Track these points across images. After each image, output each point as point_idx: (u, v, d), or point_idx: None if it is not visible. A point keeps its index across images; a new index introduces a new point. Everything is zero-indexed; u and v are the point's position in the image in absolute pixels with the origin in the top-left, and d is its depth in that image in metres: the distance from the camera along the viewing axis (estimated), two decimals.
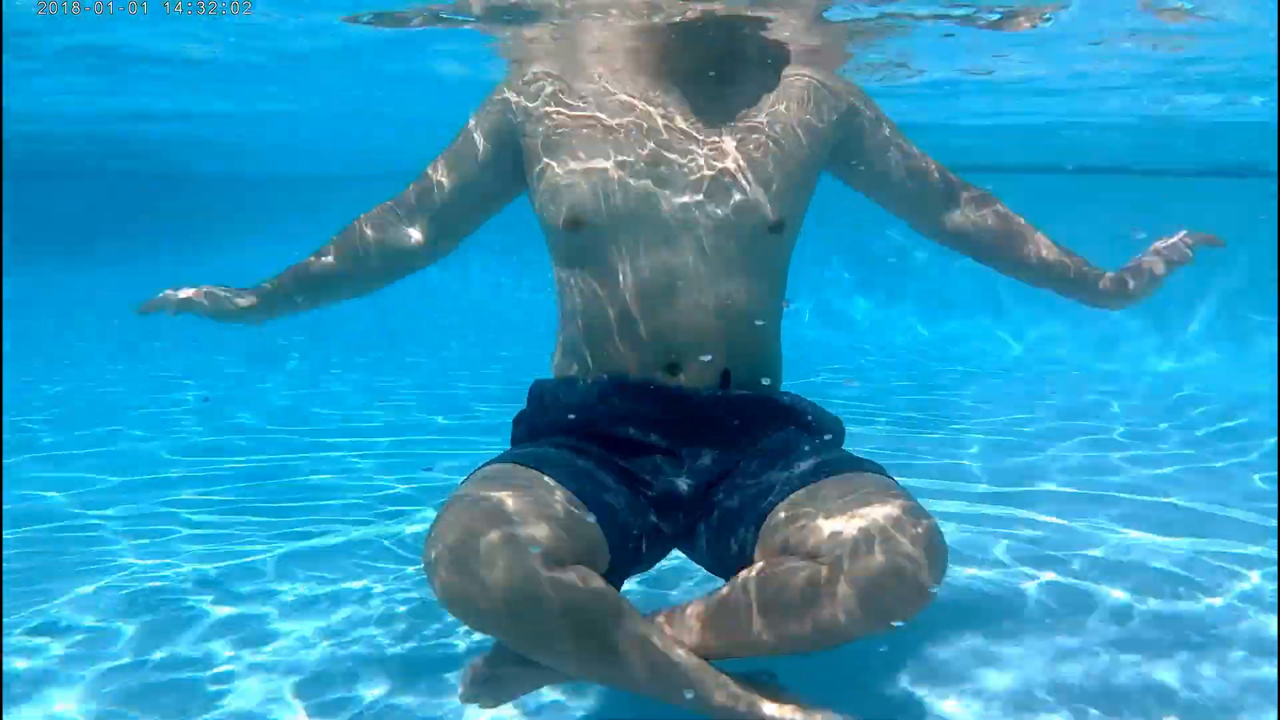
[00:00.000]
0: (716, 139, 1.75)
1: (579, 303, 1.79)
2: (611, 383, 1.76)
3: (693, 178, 1.73)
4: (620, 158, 1.73)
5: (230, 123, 8.79)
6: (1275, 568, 2.57)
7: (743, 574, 1.59)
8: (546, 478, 1.60)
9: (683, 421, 1.74)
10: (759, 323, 1.79)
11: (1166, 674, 2.15)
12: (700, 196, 1.72)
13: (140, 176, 18.63)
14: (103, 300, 10.31)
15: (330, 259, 1.95)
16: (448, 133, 1.97)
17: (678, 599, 2.46)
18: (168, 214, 19.63)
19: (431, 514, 1.58)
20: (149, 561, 2.86)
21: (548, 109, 1.80)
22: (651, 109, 1.78)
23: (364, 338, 7.62)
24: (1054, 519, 3.24)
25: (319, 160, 14.73)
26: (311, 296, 1.98)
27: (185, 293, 1.91)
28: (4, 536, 3.04)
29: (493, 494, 1.52)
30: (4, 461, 3.89)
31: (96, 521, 3.27)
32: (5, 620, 2.42)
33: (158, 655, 2.25)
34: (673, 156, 1.74)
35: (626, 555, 1.65)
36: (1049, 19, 3.23)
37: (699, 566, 1.89)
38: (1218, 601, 2.56)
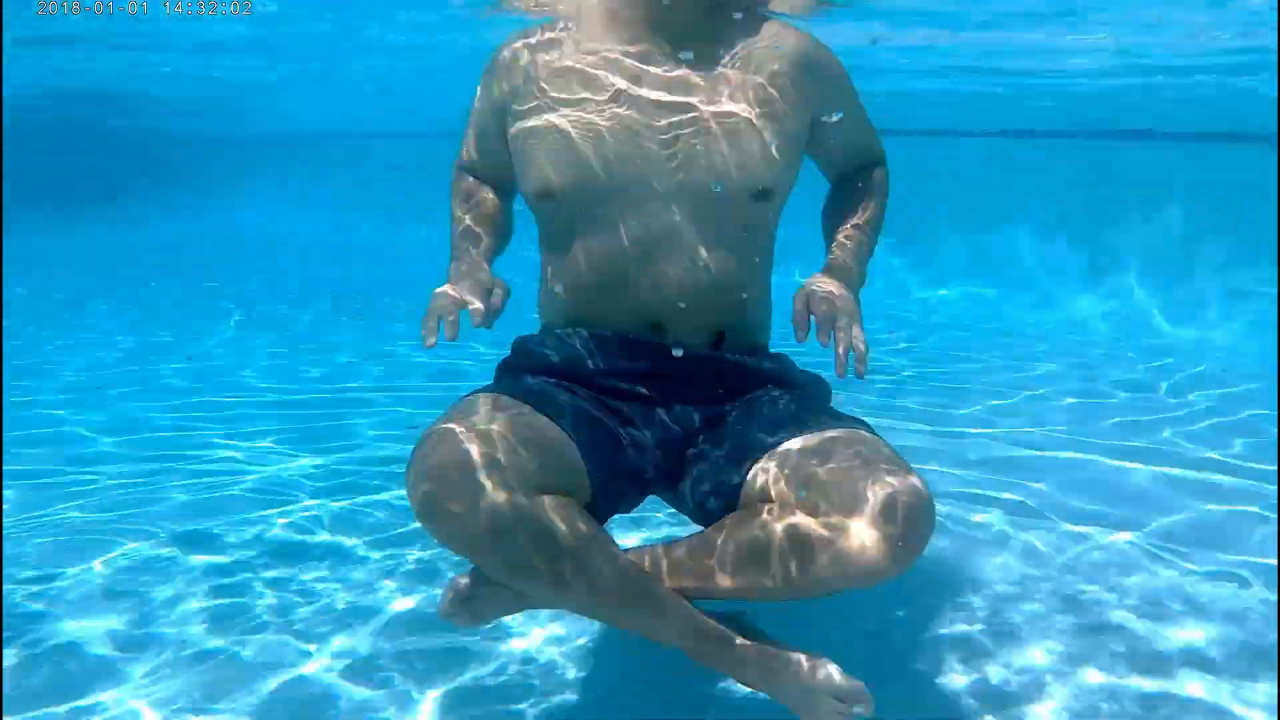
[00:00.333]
0: (700, 103, 1.70)
1: (561, 265, 1.79)
2: (596, 337, 1.77)
3: (674, 146, 1.68)
4: (596, 124, 1.69)
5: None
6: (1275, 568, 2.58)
7: (725, 519, 1.61)
8: (529, 407, 1.61)
9: (669, 376, 1.75)
10: (745, 291, 1.78)
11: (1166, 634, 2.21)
12: (681, 163, 1.68)
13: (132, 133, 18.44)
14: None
15: (477, 216, 1.94)
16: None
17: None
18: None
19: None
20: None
21: (527, 75, 1.77)
22: (632, 71, 1.72)
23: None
24: (1041, 485, 3.29)
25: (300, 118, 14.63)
26: (499, 245, 1.95)
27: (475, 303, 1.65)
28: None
29: (475, 420, 1.52)
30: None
31: (90, 477, 3.30)
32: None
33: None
34: (654, 123, 1.69)
35: (608, 491, 1.65)
36: None
37: (680, 516, 1.92)
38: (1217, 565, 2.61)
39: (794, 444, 1.62)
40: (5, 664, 2.05)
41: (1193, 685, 2.00)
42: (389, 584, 2.45)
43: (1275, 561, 2.59)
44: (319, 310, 7.03)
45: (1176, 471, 3.37)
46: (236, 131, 18.18)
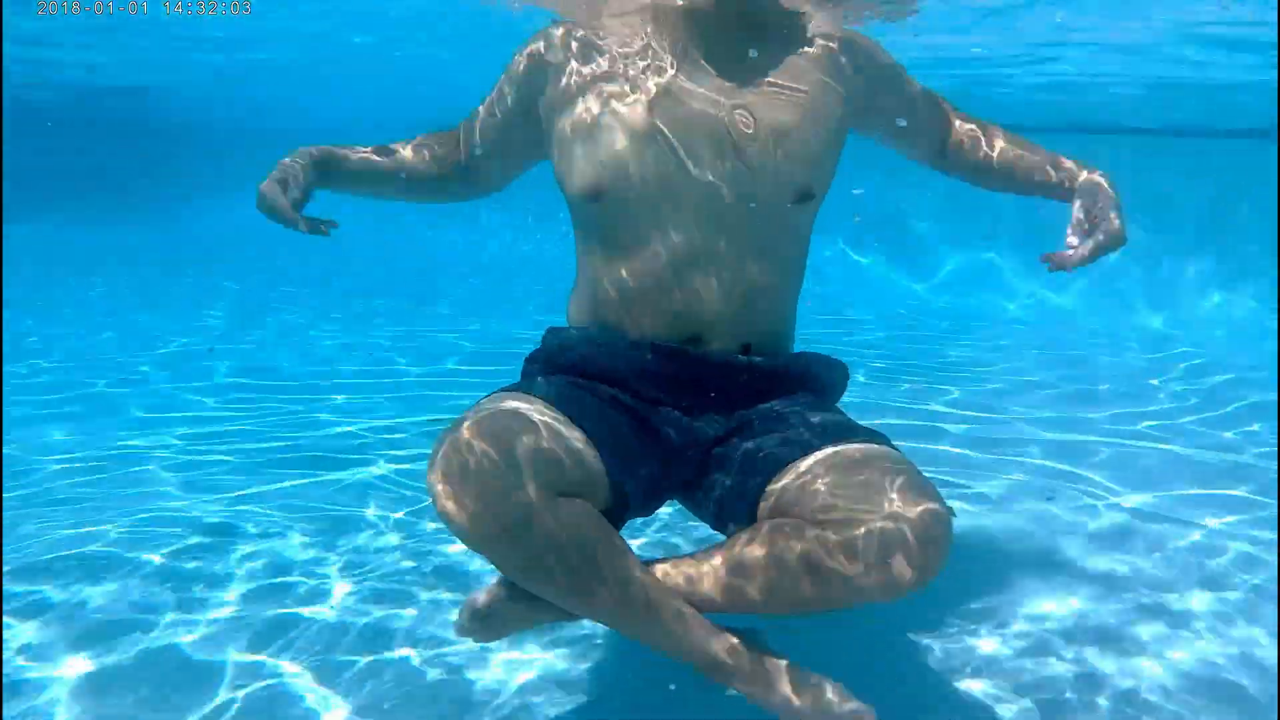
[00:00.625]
0: (744, 104, 1.70)
1: (600, 268, 1.77)
2: (628, 341, 1.75)
3: (720, 147, 1.68)
4: (643, 127, 1.68)
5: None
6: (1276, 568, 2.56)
7: (744, 532, 1.59)
8: (552, 408, 1.60)
9: (699, 382, 1.74)
10: (781, 299, 1.78)
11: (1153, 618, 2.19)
12: (727, 166, 1.68)
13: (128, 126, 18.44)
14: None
15: (372, 155, 1.93)
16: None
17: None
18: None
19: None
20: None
21: (569, 70, 1.76)
22: (675, 72, 1.72)
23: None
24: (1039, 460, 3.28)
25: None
26: (354, 180, 1.94)
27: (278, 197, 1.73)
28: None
29: (497, 419, 1.51)
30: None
31: (97, 463, 3.32)
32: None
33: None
34: (698, 124, 1.69)
35: (627, 496, 1.64)
36: None
37: (698, 524, 1.89)
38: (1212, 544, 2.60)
39: (816, 459, 1.60)
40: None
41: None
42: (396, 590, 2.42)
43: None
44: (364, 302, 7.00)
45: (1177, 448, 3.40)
46: (240, 125, 18.16)
